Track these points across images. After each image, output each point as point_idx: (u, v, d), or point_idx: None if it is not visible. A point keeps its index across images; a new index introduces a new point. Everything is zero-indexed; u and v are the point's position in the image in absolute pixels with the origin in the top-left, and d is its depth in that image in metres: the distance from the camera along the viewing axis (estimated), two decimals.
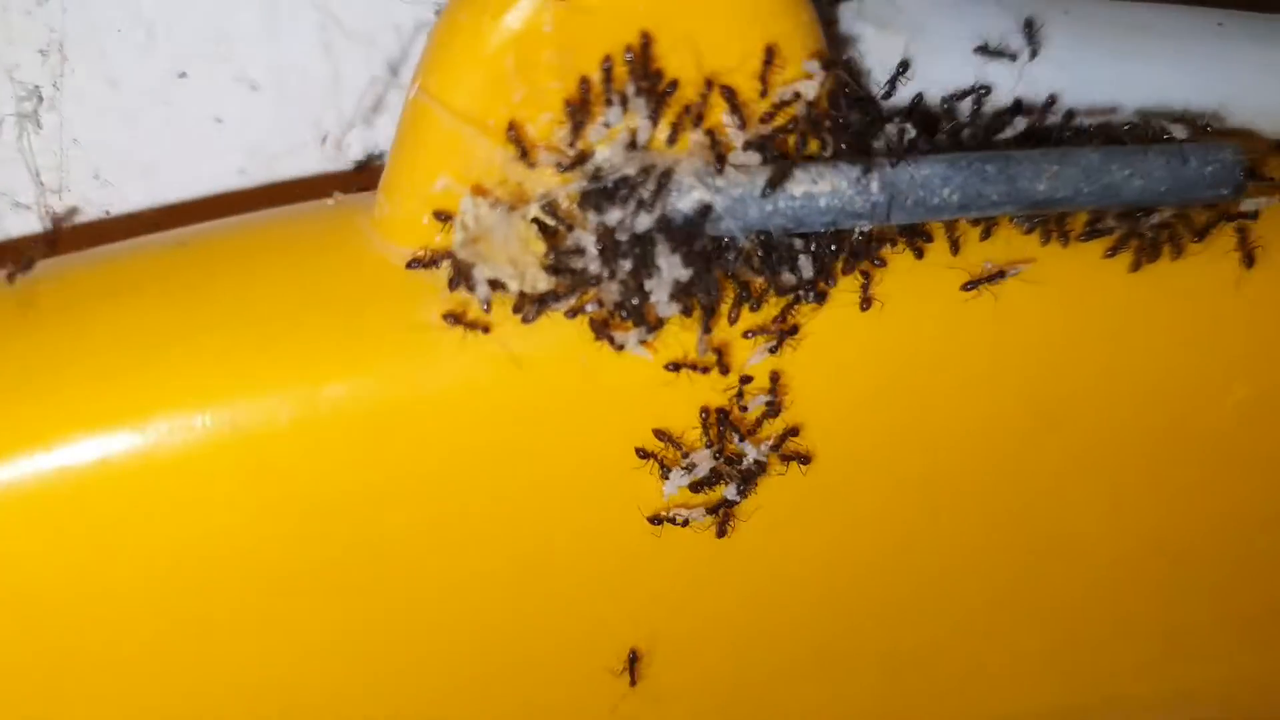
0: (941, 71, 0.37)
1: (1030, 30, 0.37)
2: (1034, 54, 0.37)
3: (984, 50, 0.36)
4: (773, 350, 0.35)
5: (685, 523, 0.36)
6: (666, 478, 0.36)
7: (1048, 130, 0.38)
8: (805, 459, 0.37)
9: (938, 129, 0.37)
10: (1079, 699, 0.48)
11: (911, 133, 0.35)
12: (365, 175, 0.40)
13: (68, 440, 0.32)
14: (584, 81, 0.31)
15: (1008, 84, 0.38)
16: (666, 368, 0.35)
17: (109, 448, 0.32)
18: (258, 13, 0.39)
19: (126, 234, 0.35)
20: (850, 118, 0.34)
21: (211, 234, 0.35)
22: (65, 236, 0.39)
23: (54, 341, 0.33)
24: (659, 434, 0.36)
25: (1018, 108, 0.37)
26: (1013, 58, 0.36)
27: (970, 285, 0.36)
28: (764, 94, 0.32)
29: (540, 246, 0.33)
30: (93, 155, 0.40)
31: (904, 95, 0.37)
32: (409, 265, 0.33)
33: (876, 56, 0.36)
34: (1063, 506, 0.43)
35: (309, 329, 0.33)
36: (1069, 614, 0.46)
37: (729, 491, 0.37)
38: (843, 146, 0.35)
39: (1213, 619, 0.48)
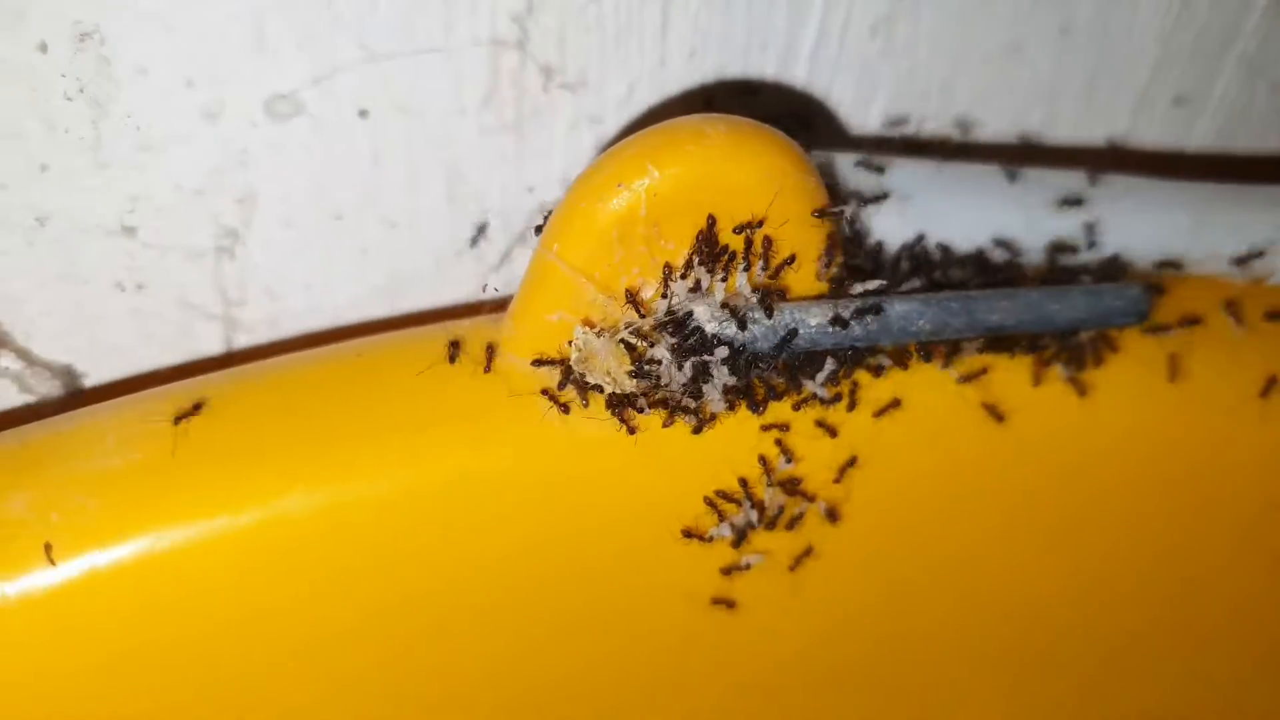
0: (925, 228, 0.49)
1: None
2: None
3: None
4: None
5: (748, 566, 0.48)
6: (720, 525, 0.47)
7: (1001, 269, 0.51)
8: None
9: (919, 272, 0.50)
10: None
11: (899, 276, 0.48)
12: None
13: (276, 497, 0.42)
14: (667, 264, 0.43)
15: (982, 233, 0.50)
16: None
17: (307, 503, 0.43)
18: (401, 170, 0.51)
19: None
20: (855, 269, 0.47)
21: (379, 344, 0.47)
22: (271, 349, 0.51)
23: (258, 426, 0.44)
24: (719, 494, 0.47)
25: (980, 259, 0.50)
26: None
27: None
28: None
29: (627, 360, 0.45)
30: (266, 276, 0.52)
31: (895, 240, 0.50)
32: (534, 364, 0.45)
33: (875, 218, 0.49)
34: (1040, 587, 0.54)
35: (456, 414, 0.45)
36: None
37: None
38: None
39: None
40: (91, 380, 0.52)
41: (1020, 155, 0.60)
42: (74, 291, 0.49)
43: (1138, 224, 0.52)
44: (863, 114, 0.57)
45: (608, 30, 0.50)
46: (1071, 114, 0.61)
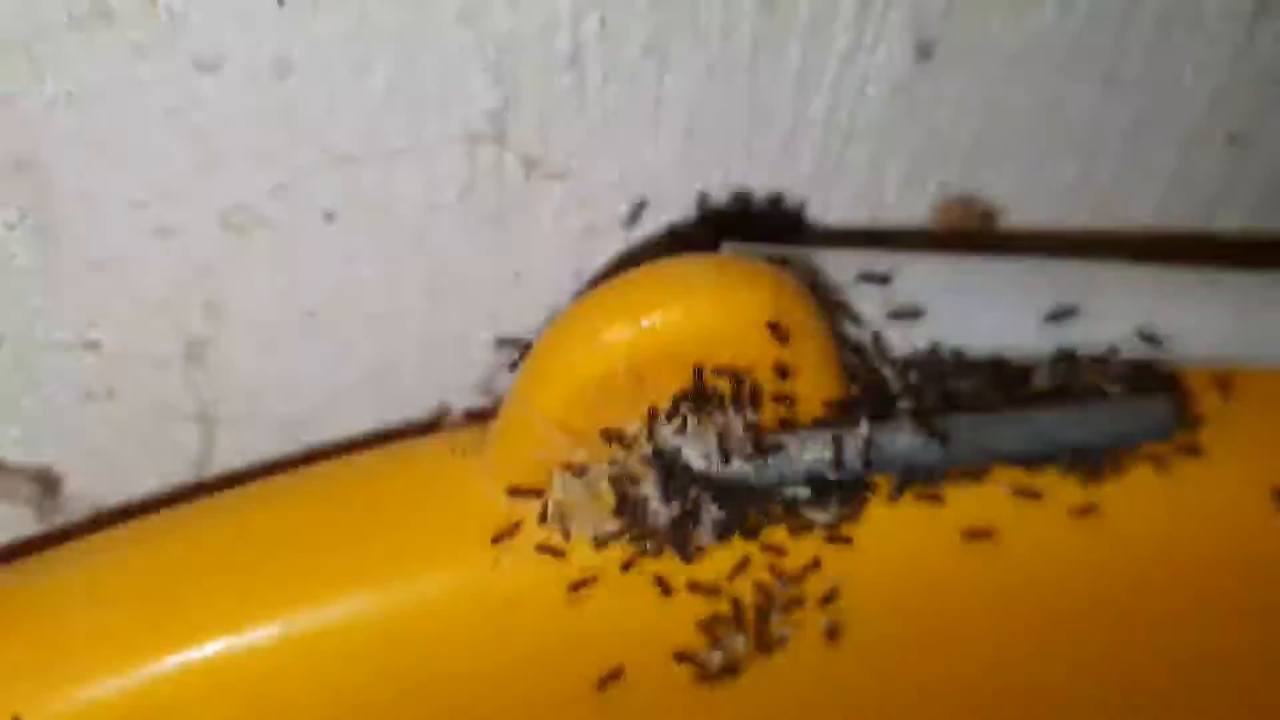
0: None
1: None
2: None
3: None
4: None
5: None
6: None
7: (1017, 375, 0.47)
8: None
9: (929, 382, 0.46)
10: None
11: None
12: None
13: (239, 628, 0.41)
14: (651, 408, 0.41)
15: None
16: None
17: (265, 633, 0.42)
18: (376, 268, 0.48)
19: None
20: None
21: (358, 463, 0.46)
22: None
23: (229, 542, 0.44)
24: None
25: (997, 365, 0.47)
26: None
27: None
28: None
29: (611, 500, 0.43)
30: (241, 377, 0.49)
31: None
32: (511, 493, 0.43)
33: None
34: None
35: (430, 534, 0.44)
36: None
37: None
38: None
39: None
40: (73, 481, 0.50)
41: (1051, 230, 0.56)
42: (41, 404, 0.47)
43: (1175, 319, 0.48)
44: (878, 179, 0.52)
45: (593, 116, 0.46)
46: (1116, 156, 0.56)
